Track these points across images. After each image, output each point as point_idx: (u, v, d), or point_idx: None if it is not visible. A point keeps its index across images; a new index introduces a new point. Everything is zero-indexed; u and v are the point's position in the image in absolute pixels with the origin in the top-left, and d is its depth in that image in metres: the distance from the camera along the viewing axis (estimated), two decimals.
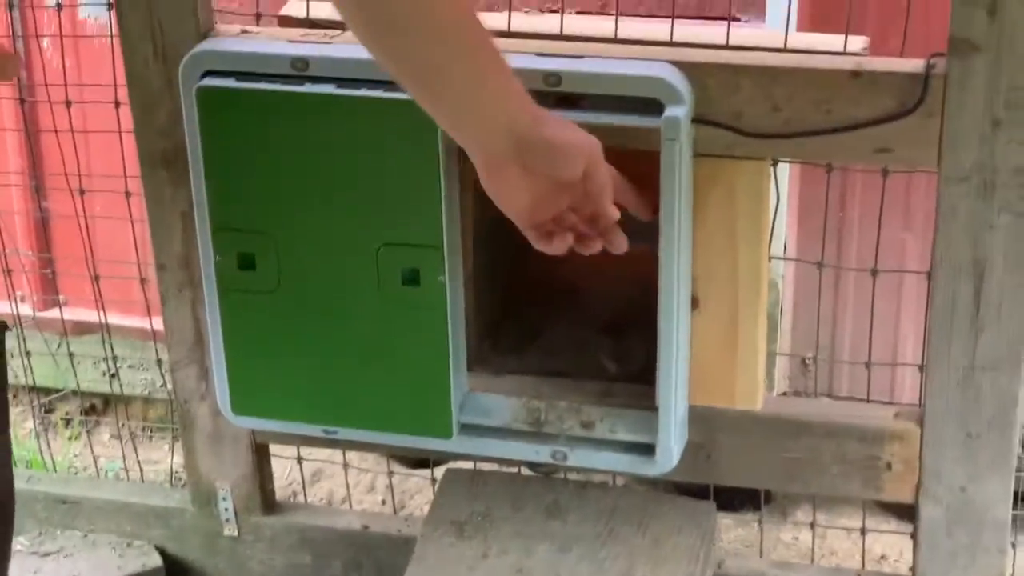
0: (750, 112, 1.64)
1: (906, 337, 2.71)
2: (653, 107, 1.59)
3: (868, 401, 2.07)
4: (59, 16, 2.51)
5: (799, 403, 2.10)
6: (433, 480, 2.39)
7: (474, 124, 1.39)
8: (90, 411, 3.27)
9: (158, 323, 2.06)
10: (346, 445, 2.09)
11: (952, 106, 1.58)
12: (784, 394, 2.74)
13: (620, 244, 1.55)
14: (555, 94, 1.63)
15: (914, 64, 1.60)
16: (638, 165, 1.62)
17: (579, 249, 1.53)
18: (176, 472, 2.84)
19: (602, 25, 1.87)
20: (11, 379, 1.73)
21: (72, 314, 3.02)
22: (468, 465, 2.08)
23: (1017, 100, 1.56)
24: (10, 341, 1.67)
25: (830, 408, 1.89)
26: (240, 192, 1.71)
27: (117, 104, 2.29)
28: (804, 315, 2.71)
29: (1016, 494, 1.78)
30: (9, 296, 2.69)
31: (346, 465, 2.45)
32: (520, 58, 1.62)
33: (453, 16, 1.31)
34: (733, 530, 2.66)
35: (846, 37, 1.75)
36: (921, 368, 1.77)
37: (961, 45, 1.56)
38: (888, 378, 2.54)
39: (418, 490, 2.91)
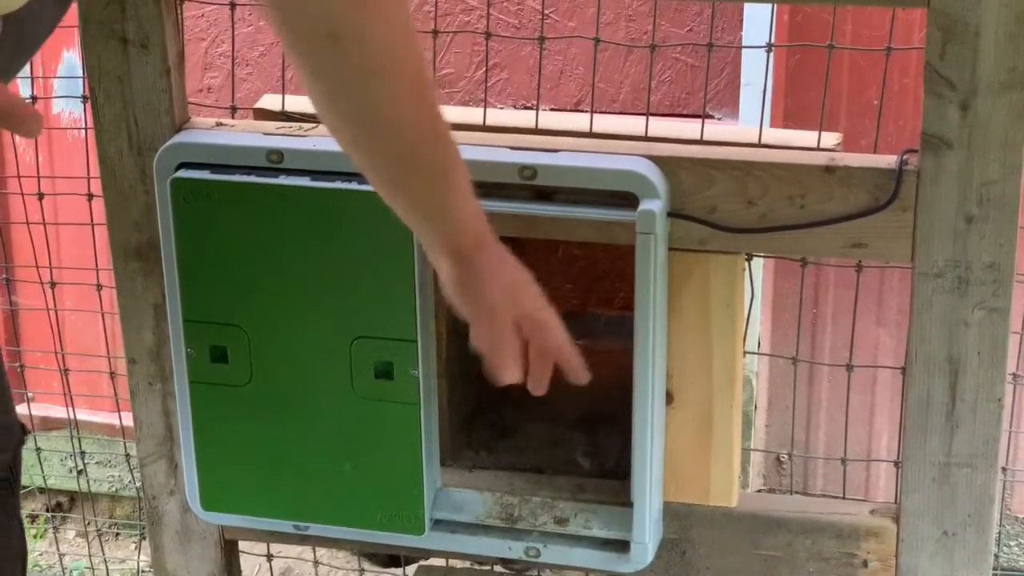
0: (724, 206, 1.64)
1: (880, 433, 2.71)
2: (628, 201, 1.60)
3: (844, 498, 2.06)
4: None
5: (774, 499, 2.09)
6: None
7: (442, 215, 1.40)
8: (56, 508, 3.23)
9: (127, 419, 2.04)
10: (317, 541, 2.05)
11: (925, 202, 1.59)
12: (759, 491, 2.73)
13: (581, 374, 1.51)
14: (530, 187, 1.63)
15: (887, 160, 1.61)
16: (612, 260, 1.62)
17: (531, 384, 1.50)
18: (143, 571, 2.79)
19: (576, 120, 1.88)
20: None
21: (39, 409, 3.00)
22: (440, 562, 2.05)
23: (990, 195, 1.57)
24: None
25: (805, 504, 1.87)
26: (213, 284, 1.70)
27: (90, 196, 2.29)
28: (778, 412, 2.71)
29: None
30: None
31: (316, 563, 2.42)
32: (495, 152, 1.63)
33: (423, 110, 1.33)
34: None
35: (820, 133, 1.76)
36: (896, 464, 1.76)
37: (933, 141, 1.57)
38: (863, 474, 2.53)
39: None
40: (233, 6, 2.01)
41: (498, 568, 1.98)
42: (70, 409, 2.51)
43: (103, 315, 2.41)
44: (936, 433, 1.67)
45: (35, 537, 3.13)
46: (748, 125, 2.46)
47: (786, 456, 2.66)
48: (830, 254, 1.68)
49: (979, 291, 1.61)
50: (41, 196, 2.38)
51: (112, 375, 2.48)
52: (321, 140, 1.66)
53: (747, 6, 2.52)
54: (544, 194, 1.64)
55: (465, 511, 1.77)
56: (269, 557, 2.33)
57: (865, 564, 1.76)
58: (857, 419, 2.60)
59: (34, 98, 2.40)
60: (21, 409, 2.97)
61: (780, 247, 1.67)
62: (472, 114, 1.88)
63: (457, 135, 1.68)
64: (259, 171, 1.66)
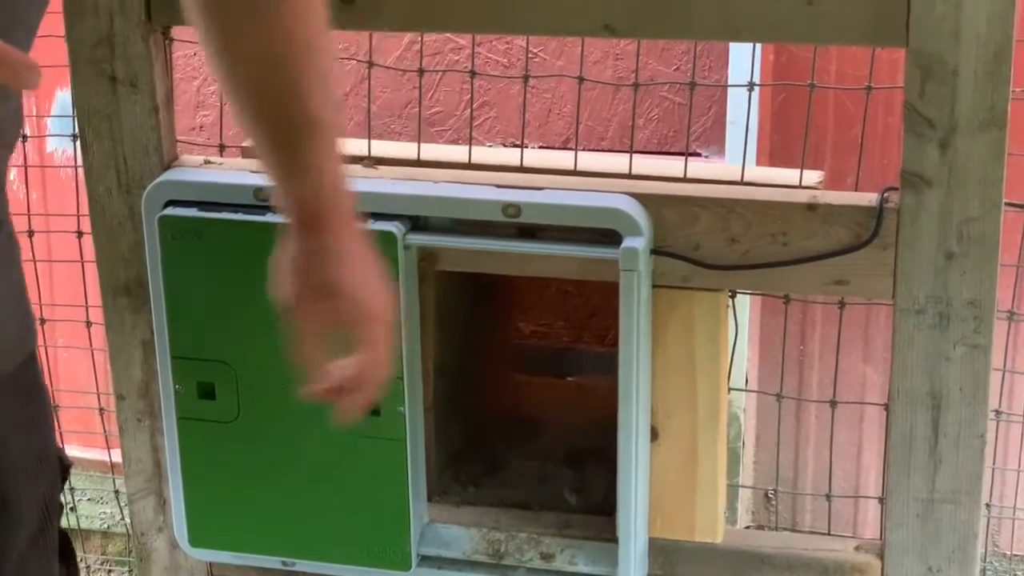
0: (707, 244, 1.65)
1: (868, 469, 2.71)
2: (611, 238, 1.61)
3: (829, 534, 2.06)
4: (24, 148, 2.52)
5: (759, 536, 2.09)
6: None
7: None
8: None
9: (117, 455, 2.05)
10: None
11: (906, 239, 1.60)
12: (748, 527, 2.73)
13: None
14: (514, 225, 1.64)
15: (868, 198, 1.63)
16: (604, 297, 1.62)
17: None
18: None
19: (562, 158, 1.90)
20: None
21: None
22: None
23: (969, 232, 1.58)
24: None
25: (791, 541, 1.88)
26: (201, 321, 1.71)
27: (80, 234, 2.30)
28: (766, 448, 2.71)
29: None
30: None
31: None
32: (479, 189, 1.64)
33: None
34: None
35: (801, 170, 1.77)
36: (881, 500, 1.76)
37: (913, 179, 1.58)
38: (851, 511, 2.54)
39: None
40: None
41: None
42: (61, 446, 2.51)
43: (92, 352, 2.42)
44: (919, 469, 1.68)
45: None
46: (735, 163, 2.47)
47: (773, 492, 2.66)
48: (812, 291, 1.69)
49: (960, 327, 1.62)
50: (31, 233, 2.39)
51: (102, 412, 2.48)
52: None
53: (733, 46, 2.54)
54: (528, 231, 1.65)
55: (452, 547, 1.78)
56: None
57: None
58: (845, 455, 2.60)
59: (26, 136, 2.41)
60: None
61: (763, 284, 1.69)
62: (459, 152, 1.90)
63: (442, 173, 1.71)
64: (246, 208, 1.67)
